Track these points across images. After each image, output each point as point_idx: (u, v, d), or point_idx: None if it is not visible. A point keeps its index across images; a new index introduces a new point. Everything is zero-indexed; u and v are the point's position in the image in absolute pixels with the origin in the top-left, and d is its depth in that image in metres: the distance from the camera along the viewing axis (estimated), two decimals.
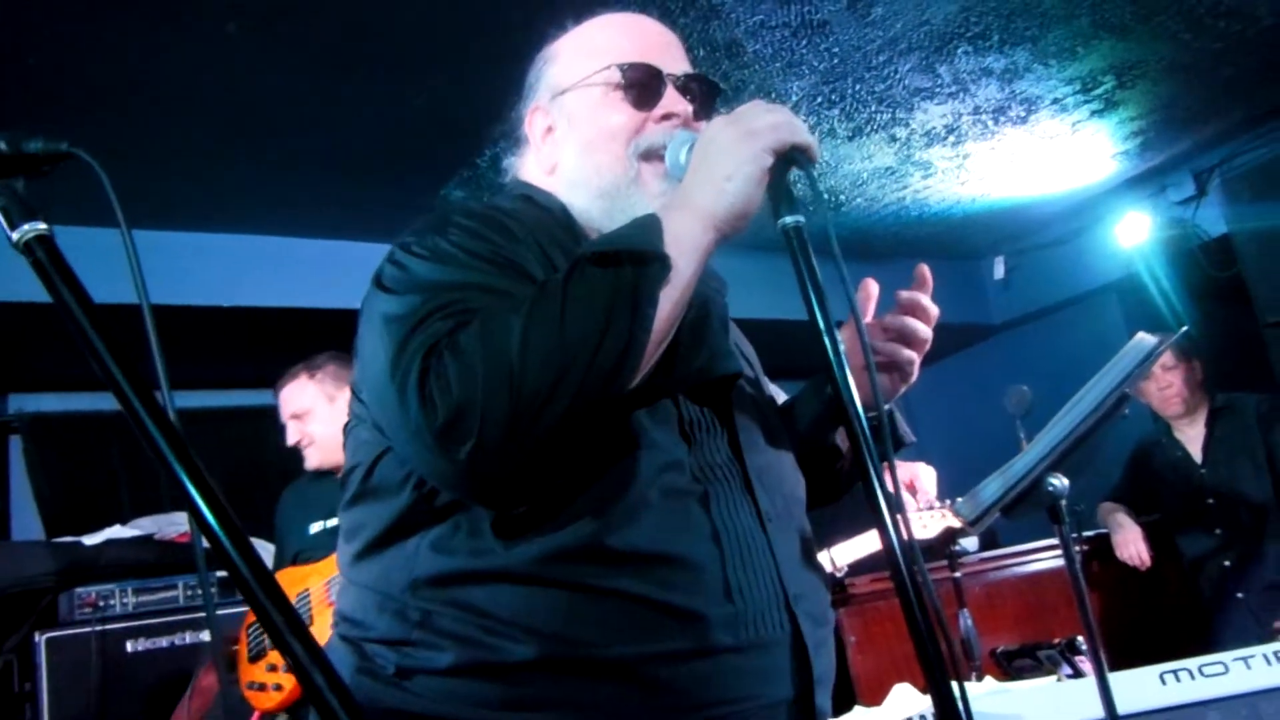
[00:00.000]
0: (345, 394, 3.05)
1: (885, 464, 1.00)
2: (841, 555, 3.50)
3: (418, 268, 1.17)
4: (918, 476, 2.98)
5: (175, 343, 4.51)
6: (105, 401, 0.71)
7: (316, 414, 3.09)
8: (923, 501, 2.97)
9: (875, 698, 2.75)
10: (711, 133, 1.17)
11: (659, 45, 1.39)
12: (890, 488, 0.98)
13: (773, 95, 4.12)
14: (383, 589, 1.18)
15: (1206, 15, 3.97)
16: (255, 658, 2.98)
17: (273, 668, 2.91)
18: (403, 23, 3.27)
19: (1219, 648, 2.87)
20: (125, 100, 3.44)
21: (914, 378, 1.40)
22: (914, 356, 1.38)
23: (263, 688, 2.92)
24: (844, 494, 1.57)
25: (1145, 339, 1.69)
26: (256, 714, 2.94)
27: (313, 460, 3.11)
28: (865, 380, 1.16)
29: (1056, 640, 3.59)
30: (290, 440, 3.13)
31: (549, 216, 1.32)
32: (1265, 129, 5.16)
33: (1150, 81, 4.50)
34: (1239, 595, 3.79)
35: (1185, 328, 2.20)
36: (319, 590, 2.87)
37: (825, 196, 5.24)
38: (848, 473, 1.54)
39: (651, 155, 1.31)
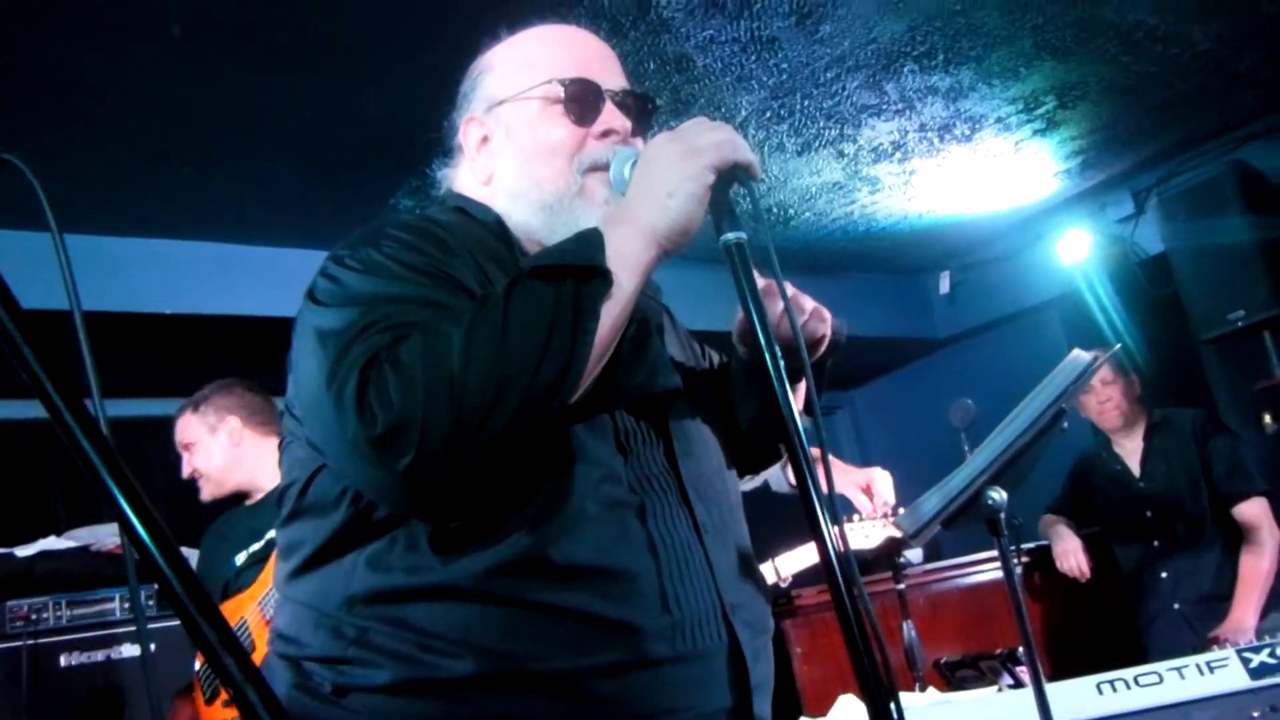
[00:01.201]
0: (226, 424, 3.05)
1: (819, 459, 1.02)
2: (786, 565, 3.52)
3: (352, 281, 1.16)
4: (874, 480, 2.98)
5: (117, 350, 4.45)
6: (38, 409, 0.69)
7: (200, 447, 3.05)
8: (882, 507, 2.97)
9: (821, 708, 2.77)
10: (654, 149, 1.18)
11: (596, 59, 1.39)
12: (825, 504, 0.99)
13: (722, 110, 4.15)
14: (318, 605, 1.17)
15: (1144, 39, 4.07)
16: (211, 698, 2.90)
17: (229, 703, 2.84)
18: (352, 29, 3.25)
19: (1156, 658, 2.93)
20: (64, 102, 3.37)
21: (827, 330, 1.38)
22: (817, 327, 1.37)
23: None
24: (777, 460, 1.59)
25: (1080, 355, 1.73)
26: None
27: (206, 493, 3.06)
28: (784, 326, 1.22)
29: (999, 650, 3.63)
30: (184, 473, 3.10)
31: (483, 229, 1.32)
32: (1201, 150, 5.29)
33: (1090, 102, 4.60)
34: (1175, 606, 3.86)
35: (1119, 344, 2.25)
36: (254, 615, 2.81)
37: (773, 210, 5.28)
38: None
39: (594, 171, 1.31)
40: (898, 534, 3.21)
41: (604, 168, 1.30)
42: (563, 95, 1.32)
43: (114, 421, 1.18)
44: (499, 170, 1.36)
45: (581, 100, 1.32)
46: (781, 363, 1.05)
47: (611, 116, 1.34)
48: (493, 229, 1.32)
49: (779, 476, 2.81)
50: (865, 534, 3.36)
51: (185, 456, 3.09)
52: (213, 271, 4.57)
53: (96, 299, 4.10)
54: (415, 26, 3.25)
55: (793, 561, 3.51)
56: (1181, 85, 4.55)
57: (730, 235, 1.11)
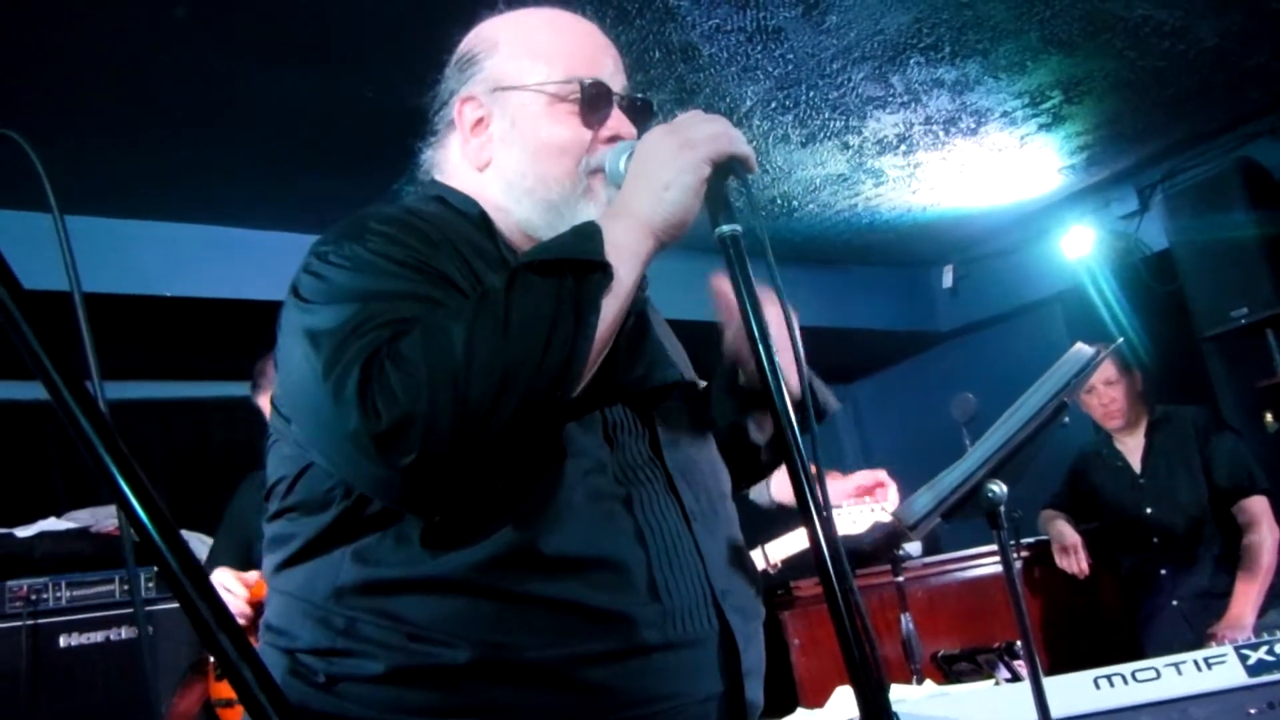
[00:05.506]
0: None
1: (815, 469, 1.02)
2: (775, 551, 3.50)
3: (340, 278, 1.14)
4: (883, 484, 2.94)
5: (116, 332, 4.45)
6: (39, 390, 0.69)
7: None
8: (880, 495, 2.93)
9: (818, 700, 2.77)
10: (650, 142, 1.17)
11: (606, 58, 1.37)
12: (819, 494, 0.99)
13: (727, 100, 4.14)
14: (306, 596, 1.17)
15: (1151, 34, 4.06)
16: (222, 675, 2.92)
17: None
18: (357, 14, 3.24)
19: (1153, 654, 2.93)
20: (66, 82, 3.36)
21: None
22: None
23: (230, 703, 2.86)
24: (765, 477, 1.61)
25: (1083, 349, 1.72)
26: None
27: None
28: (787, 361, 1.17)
29: (996, 644, 3.63)
30: None
31: (465, 221, 1.30)
32: (1206, 146, 5.28)
33: (1096, 98, 4.59)
34: (1174, 603, 3.86)
35: (1121, 338, 2.24)
36: None
37: (777, 202, 5.28)
38: (769, 461, 1.53)
39: (597, 173, 1.30)
40: (886, 519, 3.18)
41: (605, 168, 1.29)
42: (579, 96, 1.31)
43: (113, 404, 1.18)
44: (499, 159, 1.33)
45: (595, 103, 1.31)
46: (777, 360, 1.05)
47: (619, 122, 1.33)
48: (475, 221, 1.31)
49: (760, 488, 2.78)
50: (853, 520, 3.32)
51: None
52: (214, 254, 4.57)
53: (97, 280, 4.10)
54: (419, 13, 3.23)
55: (782, 547, 3.48)
56: (1188, 81, 4.54)
57: (725, 228, 1.11)
